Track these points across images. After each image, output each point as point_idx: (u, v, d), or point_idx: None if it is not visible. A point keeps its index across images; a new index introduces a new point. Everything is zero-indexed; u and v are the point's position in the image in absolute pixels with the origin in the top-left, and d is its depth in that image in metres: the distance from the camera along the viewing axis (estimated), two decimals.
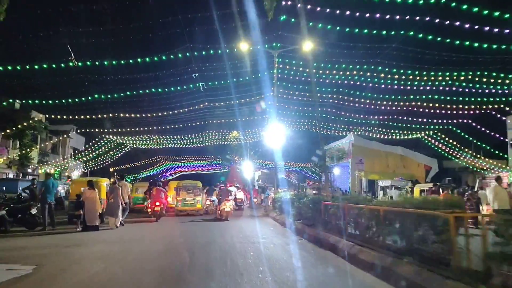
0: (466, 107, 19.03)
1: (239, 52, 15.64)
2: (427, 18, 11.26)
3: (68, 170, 35.77)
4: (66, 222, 13.62)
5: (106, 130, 26.51)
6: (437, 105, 19.18)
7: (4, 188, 17.76)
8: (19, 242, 9.65)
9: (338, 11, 11.16)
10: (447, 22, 11.11)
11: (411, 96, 18.73)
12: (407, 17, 11.27)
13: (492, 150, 25.27)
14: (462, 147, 26.01)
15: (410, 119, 22.84)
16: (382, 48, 14.13)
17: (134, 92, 17.21)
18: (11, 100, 22.04)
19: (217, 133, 32.80)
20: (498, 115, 19.86)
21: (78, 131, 33.47)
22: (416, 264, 4.69)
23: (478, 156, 26.67)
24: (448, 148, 26.32)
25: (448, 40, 12.04)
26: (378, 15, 11.14)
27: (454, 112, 19.84)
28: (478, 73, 14.85)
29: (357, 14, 11.28)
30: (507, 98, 17.65)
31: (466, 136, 24.87)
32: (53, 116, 22.22)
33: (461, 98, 18.24)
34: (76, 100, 16.85)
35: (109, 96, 17.03)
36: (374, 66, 15.42)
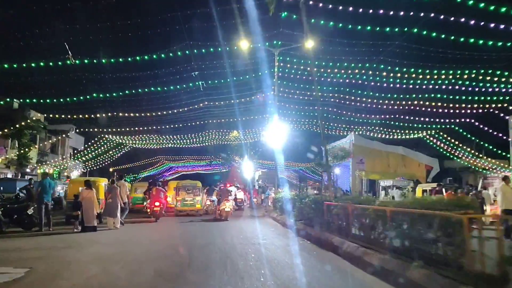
0: (469, 106, 18.81)
1: (240, 50, 15.42)
2: (432, 15, 11.05)
3: (67, 170, 35.54)
4: (64, 222, 13.45)
5: (105, 130, 26.28)
6: (439, 104, 18.96)
7: (1, 188, 17.59)
8: (14, 243, 9.42)
9: (340, 7, 10.94)
10: (452, 19, 10.88)
11: (413, 95, 18.51)
12: (411, 13, 11.06)
13: (495, 149, 25.02)
14: (464, 147, 25.77)
15: (412, 118, 22.62)
16: (385, 45, 13.91)
17: (133, 91, 17.01)
18: (8, 99, 21.76)
19: (217, 133, 32.58)
20: (501, 114, 19.61)
21: (77, 130, 33.24)
22: (426, 267, 4.46)
23: (480, 155, 26.43)
24: (450, 148, 26.09)
25: (452, 37, 11.81)
26: (381, 11, 10.92)
27: (457, 111, 19.64)
28: (482, 71, 14.61)
29: (360, 10, 11.06)
30: (511, 97, 17.40)
31: (469, 136, 24.62)
32: (51, 116, 22.00)
33: (464, 97, 18.02)
34: (74, 99, 16.62)
35: (107, 95, 16.83)
36: (376, 64, 15.22)
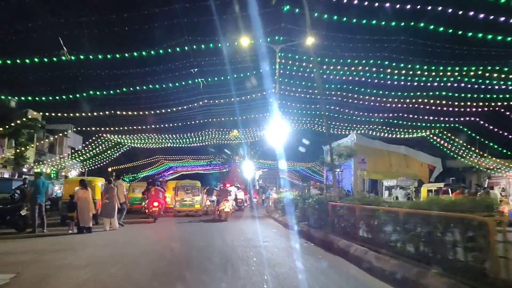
0: (475, 104, 18.38)
1: (240, 46, 15.01)
2: (439, 8, 10.65)
3: (65, 169, 35.15)
4: (59, 223, 13.08)
5: (103, 129, 25.88)
6: (444, 102, 18.52)
7: None
8: (4, 246, 9.01)
9: (345, 0, 10.54)
10: (460, 12, 10.49)
11: (418, 93, 18.09)
12: (418, 6, 10.66)
13: (500, 149, 24.60)
14: (469, 146, 25.37)
15: (415, 117, 22.15)
16: (390, 41, 13.47)
17: (131, 89, 16.58)
18: (3, 97, 21.36)
19: (217, 132, 32.18)
20: (508, 113, 19.18)
21: (75, 129, 32.85)
22: (446, 275, 4.06)
23: (485, 155, 26.01)
24: (454, 147, 25.69)
25: (460, 32, 11.40)
26: (388, 4, 10.53)
27: (462, 109, 19.19)
28: (489, 68, 14.19)
29: (365, 3, 10.66)
30: None
31: (473, 135, 24.20)
32: (47, 114, 21.60)
33: (469, 95, 17.57)
34: (71, 96, 16.21)
35: (104, 92, 16.42)
36: (380, 60, 14.78)
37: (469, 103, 18.27)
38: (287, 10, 12.43)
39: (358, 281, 5.39)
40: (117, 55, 12.26)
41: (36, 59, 12.11)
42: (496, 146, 24.39)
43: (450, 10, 10.57)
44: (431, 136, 26.57)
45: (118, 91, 16.41)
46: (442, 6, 10.59)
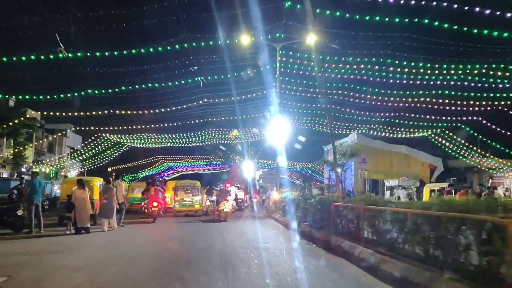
0: (477, 103, 18.12)
1: (241, 45, 14.79)
2: (444, 4, 10.42)
3: (65, 169, 34.95)
4: (57, 224, 12.88)
5: (102, 128, 25.67)
6: (447, 101, 18.27)
7: None
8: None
9: None
10: (466, 8, 10.26)
11: (420, 92, 17.82)
12: (423, 2, 10.42)
13: (502, 148, 24.35)
14: (471, 146, 25.13)
15: (417, 116, 21.89)
16: (393, 38, 13.23)
17: (130, 87, 16.35)
18: (0, 96, 21.15)
19: (217, 132, 31.94)
20: (511, 112, 18.94)
21: (73, 129, 32.65)
22: (459, 280, 3.84)
23: (487, 155, 25.77)
24: (456, 147, 25.45)
25: (465, 29, 11.16)
26: (391, 0, 10.29)
27: (464, 108, 18.93)
28: (494, 65, 13.96)
29: None
30: None
31: (475, 134, 23.95)
32: (45, 113, 21.39)
33: (472, 94, 17.34)
34: (69, 95, 15.98)
35: (103, 91, 16.17)
36: (383, 58, 14.55)
37: (472, 102, 18.03)
38: (288, 6, 12.19)
39: (364, 285, 5.17)
40: (115, 53, 12.05)
41: (32, 57, 11.88)
42: (498, 146, 24.12)
43: (455, 6, 10.35)
44: (433, 135, 26.33)
45: (117, 89, 16.19)
46: (447, 2, 10.37)
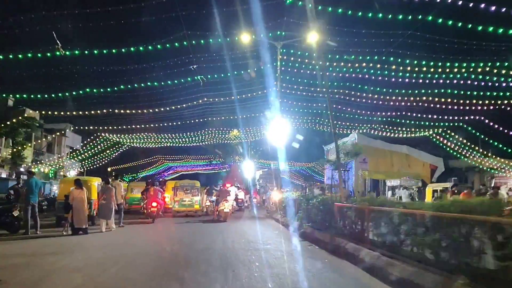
0: (480, 102, 17.91)
1: (241, 42, 14.57)
2: (449, 0, 10.21)
3: (64, 169, 34.74)
4: (55, 224, 12.69)
5: (101, 128, 25.46)
6: (449, 100, 18.05)
7: None
8: None
9: None
10: (471, 5, 10.05)
11: (423, 90, 17.62)
12: None
13: (505, 148, 24.15)
14: (472, 146, 24.93)
15: (419, 115, 21.67)
16: (396, 35, 13.00)
17: (129, 86, 16.14)
18: None
19: (217, 131, 31.74)
20: None
21: (72, 128, 32.46)
22: (473, 285, 3.64)
23: (489, 155, 25.57)
24: (457, 147, 25.25)
25: (469, 26, 10.95)
26: None
27: (467, 107, 18.71)
28: (498, 64, 13.74)
29: None
30: None
31: (477, 134, 23.74)
32: (43, 112, 21.18)
33: (475, 93, 17.13)
34: (67, 94, 15.77)
35: (101, 90, 15.95)
36: (385, 56, 14.33)
37: (474, 101, 17.82)
38: (290, 3, 11.97)
39: None
40: (113, 50, 11.83)
41: (29, 54, 11.67)
42: (501, 146, 23.91)
43: (460, 2, 10.14)
44: (434, 135, 26.13)
45: (115, 88, 15.97)
46: None
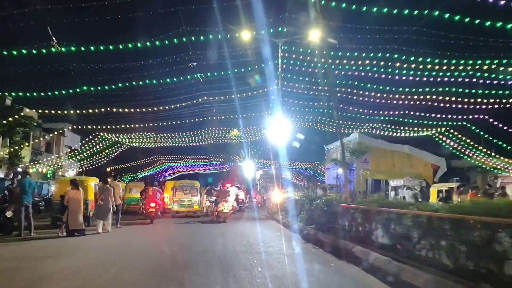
0: (485, 100, 17.54)
1: (242, 39, 14.22)
2: None
3: (62, 169, 34.40)
4: (50, 226, 12.37)
5: (99, 127, 25.12)
6: (453, 98, 17.68)
7: None
8: None
9: None
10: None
11: (427, 89, 17.21)
12: None
13: (509, 148, 23.78)
14: (476, 145, 24.58)
15: (422, 115, 21.30)
16: (401, 31, 12.63)
17: (127, 84, 15.77)
18: None
19: (217, 131, 31.39)
20: None
21: (70, 127, 32.11)
22: None
23: (493, 154, 25.22)
24: (460, 146, 24.90)
25: (477, 21, 10.61)
26: None
27: (471, 106, 18.34)
28: (505, 61, 13.39)
29: None
30: None
31: (482, 133, 23.39)
32: (40, 111, 20.83)
33: (480, 91, 16.77)
34: (63, 92, 15.43)
35: (99, 87, 15.59)
36: (389, 53, 13.96)
37: (479, 100, 17.45)
38: None
39: None
40: (110, 47, 11.49)
41: (24, 51, 11.33)
42: (505, 145, 23.56)
43: None
44: (437, 135, 25.77)
45: (113, 86, 15.61)
46: None
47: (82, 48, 11.58)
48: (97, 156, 34.18)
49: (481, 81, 15.42)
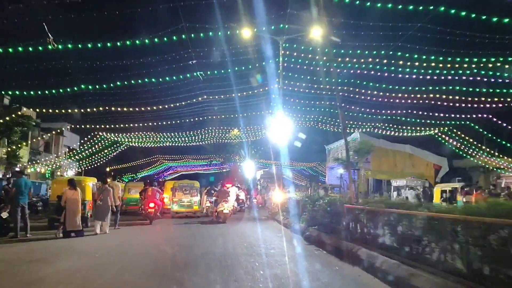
0: (489, 99, 17.32)
1: (242, 36, 13.98)
2: None
3: (61, 169, 34.17)
4: (47, 227, 12.11)
5: (98, 126, 24.90)
6: (457, 97, 17.45)
7: None
8: None
9: None
10: None
11: (430, 88, 16.98)
12: None
13: None
14: (479, 145, 24.34)
15: (425, 114, 21.06)
16: (405, 28, 12.37)
17: (125, 83, 15.54)
18: None
19: (218, 130, 31.16)
20: None
21: (69, 127, 31.92)
22: None
23: (496, 154, 24.98)
24: (463, 146, 24.66)
25: (484, 17, 10.37)
26: None
27: (475, 105, 18.12)
28: (510, 59, 13.15)
29: None
30: None
31: (485, 133, 23.14)
32: (37, 110, 20.60)
33: (484, 90, 16.53)
34: (61, 91, 15.19)
35: (97, 86, 15.37)
36: (392, 51, 13.71)
37: (483, 98, 17.22)
38: None
39: None
40: (108, 44, 11.26)
41: (20, 48, 11.10)
42: (509, 144, 23.31)
43: None
44: (440, 134, 25.54)
45: (112, 85, 15.40)
46: None
47: (79, 46, 11.35)
48: (96, 156, 33.98)
49: (485, 79, 15.21)
